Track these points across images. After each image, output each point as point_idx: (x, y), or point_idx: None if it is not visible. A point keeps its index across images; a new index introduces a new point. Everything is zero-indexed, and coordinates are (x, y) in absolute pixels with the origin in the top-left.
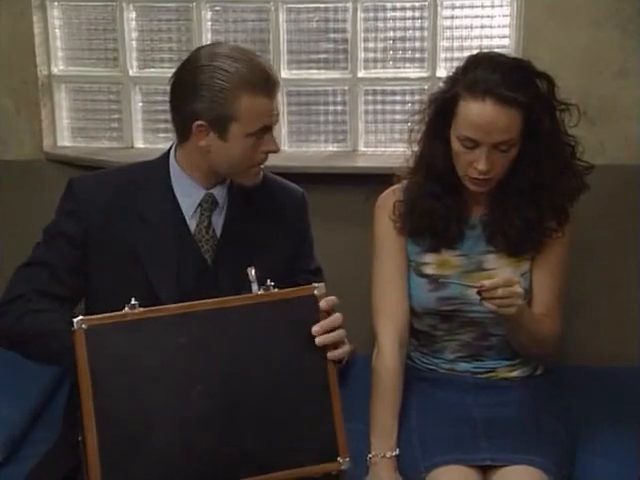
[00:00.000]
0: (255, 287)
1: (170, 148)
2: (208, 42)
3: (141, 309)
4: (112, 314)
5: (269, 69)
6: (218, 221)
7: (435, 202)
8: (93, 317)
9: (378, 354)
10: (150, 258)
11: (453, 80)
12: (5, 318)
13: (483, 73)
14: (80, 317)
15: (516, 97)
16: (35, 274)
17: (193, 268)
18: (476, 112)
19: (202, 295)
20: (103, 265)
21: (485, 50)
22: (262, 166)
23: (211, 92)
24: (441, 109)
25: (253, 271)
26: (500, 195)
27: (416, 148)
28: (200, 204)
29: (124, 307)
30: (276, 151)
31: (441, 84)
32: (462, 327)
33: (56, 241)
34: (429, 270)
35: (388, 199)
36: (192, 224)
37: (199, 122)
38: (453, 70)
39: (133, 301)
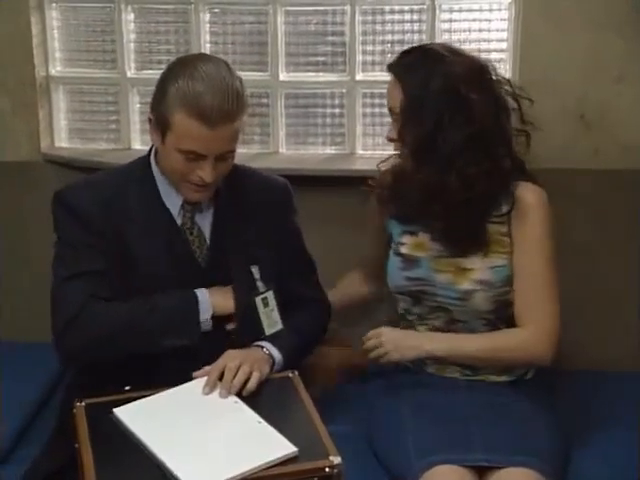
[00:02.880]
0: (260, 284)
1: (150, 149)
2: (206, 44)
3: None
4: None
5: (217, 101)
6: (205, 223)
7: (408, 174)
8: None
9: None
10: (144, 258)
11: None
12: (79, 332)
13: None
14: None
15: (394, 63)
16: (83, 284)
17: (186, 265)
18: None
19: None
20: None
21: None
22: (204, 187)
23: (162, 93)
24: None
25: (257, 269)
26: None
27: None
28: (182, 205)
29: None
30: (205, 180)
31: None
32: (431, 312)
33: (81, 251)
34: (404, 250)
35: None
36: (178, 222)
37: (150, 116)
38: None
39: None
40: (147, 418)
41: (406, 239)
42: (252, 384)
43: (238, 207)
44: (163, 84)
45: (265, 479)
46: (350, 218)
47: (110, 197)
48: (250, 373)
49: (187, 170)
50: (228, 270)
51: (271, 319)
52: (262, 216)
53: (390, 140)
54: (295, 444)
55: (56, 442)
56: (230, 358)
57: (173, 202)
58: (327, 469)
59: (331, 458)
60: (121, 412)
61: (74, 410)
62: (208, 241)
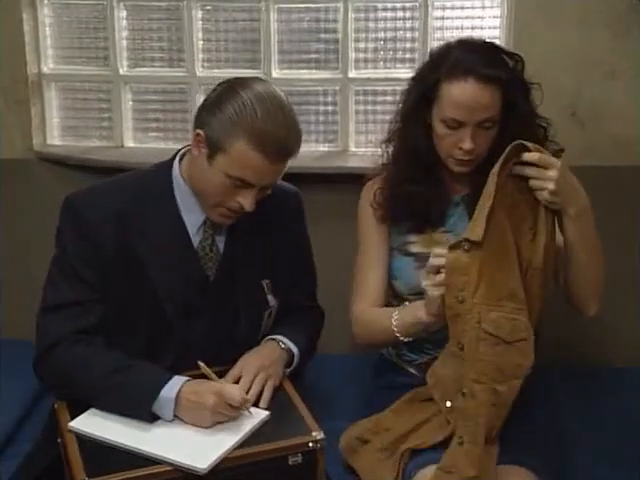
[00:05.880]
0: (270, 298)
1: (174, 157)
2: (199, 41)
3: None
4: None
5: (284, 138)
6: (221, 237)
7: (415, 186)
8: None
9: (356, 319)
10: (155, 274)
11: (431, 68)
12: (47, 369)
13: (461, 55)
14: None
15: (495, 74)
16: (68, 315)
17: (196, 284)
18: (459, 92)
19: (206, 311)
20: (114, 279)
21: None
22: (237, 214)
23: (223, 115)
24: (421, 97)
25: (267, 283)
26: (479, 173)
27: (390, 147)
28: (204, 222)
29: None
30: (246, 208)
31: (413, 77)
32: None
33: (76, 275)
34: (415, 248)
35: (369, 189)
36: (196, 240)
37: (200, 131)
38: (426, 60)
39: None
40: (108, 420)
41: (414, 237)
42: (267, 395)
43: (252, 219)
44: (222, 103)
45: (249, 457)
46: (343, 215)
47: (123, 209)
48: (266, 382)
49: (228, 196)
50: (237, 284)
51: (267, 327)
52: (275, 226)
53: (470, 152)
54: (277, 423)
55: (47, 438)
56: (247, 369)
57: (195, 217)
58: (310, 444)
59: (313, 434)
60: (78, 424)
61: (55, 406)
62: (221, 255)
